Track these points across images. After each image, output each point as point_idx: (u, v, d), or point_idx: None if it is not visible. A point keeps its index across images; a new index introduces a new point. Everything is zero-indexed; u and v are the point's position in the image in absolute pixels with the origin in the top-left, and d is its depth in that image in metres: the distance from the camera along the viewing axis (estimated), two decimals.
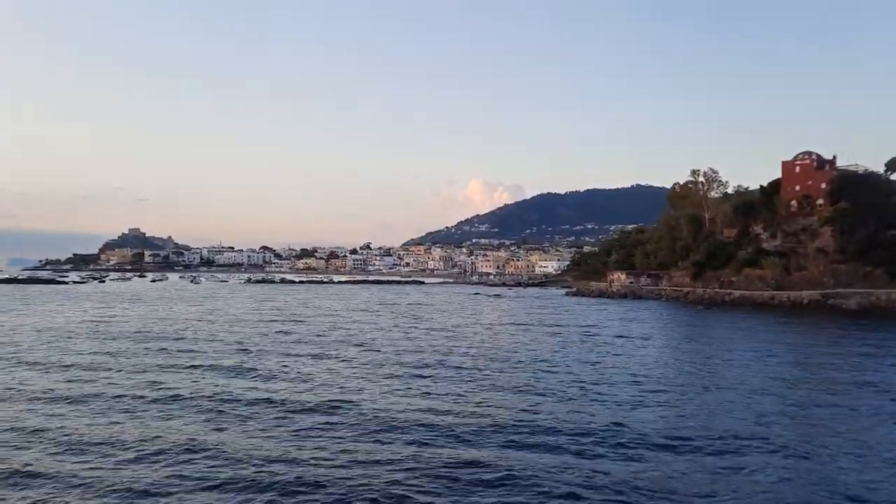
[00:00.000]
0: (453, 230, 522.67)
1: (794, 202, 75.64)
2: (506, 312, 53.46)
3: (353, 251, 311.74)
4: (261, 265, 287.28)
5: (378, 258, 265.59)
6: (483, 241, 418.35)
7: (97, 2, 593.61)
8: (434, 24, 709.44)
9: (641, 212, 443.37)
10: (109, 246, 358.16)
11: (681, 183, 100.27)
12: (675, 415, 16.69)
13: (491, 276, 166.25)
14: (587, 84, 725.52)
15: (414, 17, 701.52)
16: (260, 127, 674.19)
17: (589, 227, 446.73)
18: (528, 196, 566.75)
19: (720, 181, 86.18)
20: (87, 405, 17.20)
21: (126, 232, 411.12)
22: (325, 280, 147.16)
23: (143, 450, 13.07)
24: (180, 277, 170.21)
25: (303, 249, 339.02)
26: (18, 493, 10.81)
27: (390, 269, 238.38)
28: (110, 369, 22.37)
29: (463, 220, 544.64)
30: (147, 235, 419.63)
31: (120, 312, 51.72)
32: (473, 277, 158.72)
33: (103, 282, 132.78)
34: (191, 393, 18.35)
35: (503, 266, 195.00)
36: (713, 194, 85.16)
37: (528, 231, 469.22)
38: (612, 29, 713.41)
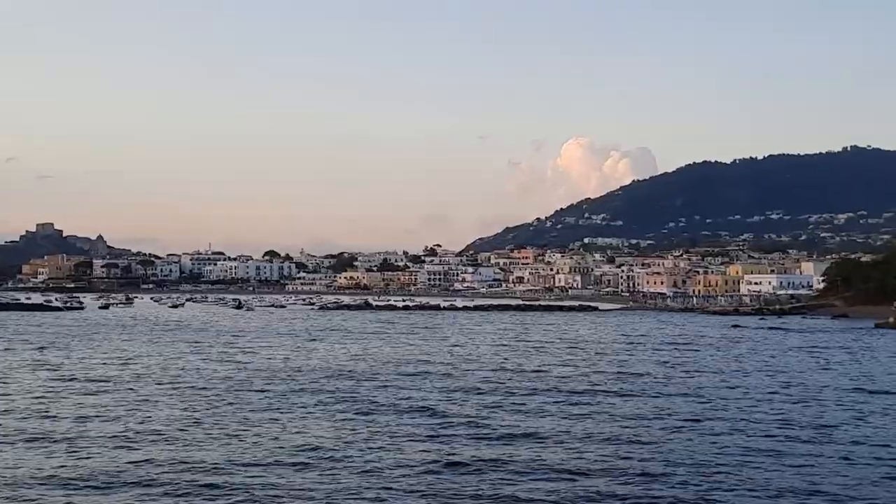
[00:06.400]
0: (547, 223, 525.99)
1: None
2: None
3: (416, 258, 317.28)
4: (277, 281, 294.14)
5: (468, 271, 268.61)
6: (599, 240, 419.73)
7: None
8: None
9: (862, 189, 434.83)
10: (8, 250, 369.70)
11: None
12: None
13: (669, 299, 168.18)
14: None
15: None
16: (226, 73, 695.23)
17: (774, 217, 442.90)
18: (668, 168, 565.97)
19: None
20: None
21: (33, 230, 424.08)
22: (440, 305, 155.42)
23: None
24: (193, 299, 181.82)
25: (330, 256, 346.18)
26: None
27: (491, 286, 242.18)
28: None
29: (562, 207, 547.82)
30: (65, 235, 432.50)
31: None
32: (671, 302, 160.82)
33: (106, 308, 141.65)
34: None
35: (682, 283, 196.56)
36: None
37: (671, 224, 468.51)
38: None
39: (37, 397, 34.53)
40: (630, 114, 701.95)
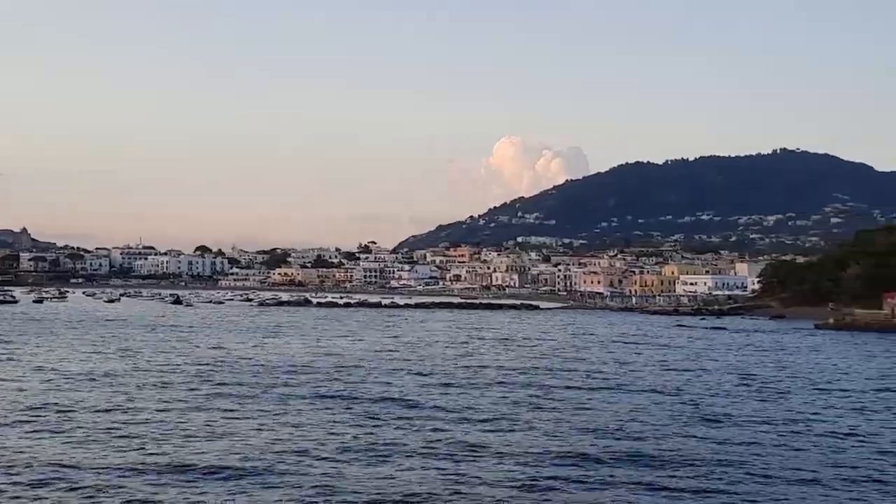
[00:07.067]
0: (480, 222, 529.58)
1: None
2: None
3: (351, 255, 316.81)
4: (210, 276, 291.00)
5: (404, 269, 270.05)
6: (533, 239, 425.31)
7: None
8: None
9: (790, 192, 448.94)
10: None
11: None
12: None
13: (606, 298, 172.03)
14: None
15: None
16: (162, 62, 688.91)
17: (704, 217, 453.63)
18: (601, 168, 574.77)
19: None
20: None
21: None
22: (380, 302, 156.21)
23: None
24: (128, 294, 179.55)
25: (262, 252, 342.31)
26: None
27: (427, 284, 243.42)
28: None
29: (496, 206, 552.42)
30: None
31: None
32: (609, 301, 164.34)
33: (40, 301, 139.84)
34: None
35: (619, 283, 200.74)
36: None
37: (603, 224, 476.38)
38: None
39: (34, 393, 34.08)
40: (561, 114, 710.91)
